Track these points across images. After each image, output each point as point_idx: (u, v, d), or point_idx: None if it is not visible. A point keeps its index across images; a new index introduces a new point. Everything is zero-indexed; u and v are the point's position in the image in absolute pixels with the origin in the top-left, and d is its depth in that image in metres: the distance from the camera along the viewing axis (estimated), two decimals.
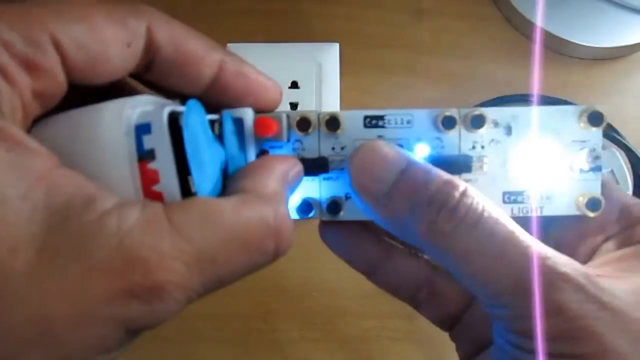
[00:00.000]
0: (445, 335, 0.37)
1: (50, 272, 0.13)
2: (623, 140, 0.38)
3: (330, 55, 0.37)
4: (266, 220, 0.16)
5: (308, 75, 0.37)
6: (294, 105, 0.36)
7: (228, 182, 0.18)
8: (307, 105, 0.36)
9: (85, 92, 0.17)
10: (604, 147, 0.39)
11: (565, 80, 0.43)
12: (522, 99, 0.40)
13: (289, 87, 0.36)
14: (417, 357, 0.36)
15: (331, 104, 0.36)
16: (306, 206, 0.20)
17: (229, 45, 0.38)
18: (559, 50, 0.43)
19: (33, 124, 0.16)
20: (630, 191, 0.36)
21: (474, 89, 0.42)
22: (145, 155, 0.16)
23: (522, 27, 0.44)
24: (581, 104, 0.20)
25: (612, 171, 0.36)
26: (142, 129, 0.16)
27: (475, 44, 0.44)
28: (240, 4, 0.45)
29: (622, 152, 0.37)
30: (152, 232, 0.14)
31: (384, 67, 0.43)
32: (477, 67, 0.43)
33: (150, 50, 0.17)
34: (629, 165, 0.37)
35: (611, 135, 0.39)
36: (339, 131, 0.20)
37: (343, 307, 0.37)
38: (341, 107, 0.36)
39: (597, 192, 0.19)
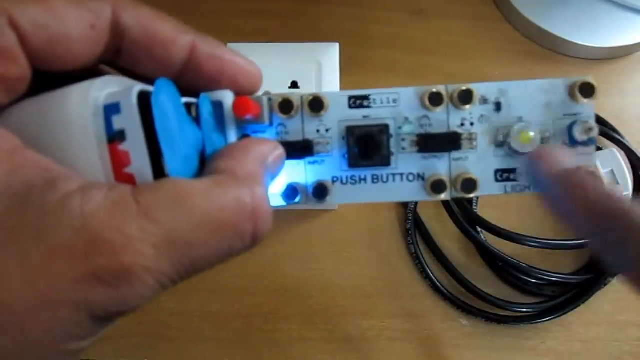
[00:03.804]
0: (445, 335, 0.37)
1: (8, 254, 0.13)
2: (623, 140, 0.38)
3: (330, 55, 0.37)
4: (242, 202, 0.15)
5: (308, 75, 0.37)
6: None
7: (205, 165, 0.17)
8: None
9: (61, 82, 0.16)
10: (603, 147, 0.39)
11: None
12: None
13: (289, 87, 0.36)
14: (417, 357, 0.36)
15: None
16: (292, 191, 0.19)
17: (229, 45, 0.37)
18: (559, 50, 0.43)
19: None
20: (630, 191, 0.36)
21: None
22: (115, 137, 0.15)
23: (522, 27, 0.44)
24: None
25: (612, 171, 0.36)
26: (111, 109, 0.15)
27: (475, 44, 0.44)
28: (240, 4, 0.45)
29: (622, 152, 0.37)
30: (117, 214, 0.13)
31: (384, 67, 0.43)
32: (477, 67, 0.43)
33: (117, 34, 0.17)
34: (629, 165, 0.37)
35: (611, 135, 0.39)
36: (322, 112, 0.19)
37: (343, 307, 0.37)
38: None
39: (590, 165, 0.19)
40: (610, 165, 0.36)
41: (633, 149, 0.38)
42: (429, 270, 0.37)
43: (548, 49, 0.44)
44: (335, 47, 0.37)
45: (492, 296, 0.36)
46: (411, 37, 0.44)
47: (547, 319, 0.36)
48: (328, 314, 0.37)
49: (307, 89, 0.36)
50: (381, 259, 0.38)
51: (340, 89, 0.37)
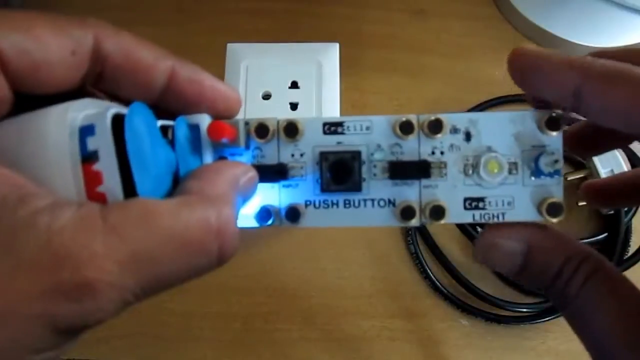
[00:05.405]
0: (445, 335, 0.37)
1: None
2: None
3: (330, 55, 0.37)
4: (207, 221, 0.16)
5: (308, 75, 0.37)
6: (294, 106, 0.36)
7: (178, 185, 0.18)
8: (307, 106, 0.36)
9: (45, 102, 0.17)
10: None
11: None
12: (522, 99, 0.40)
13: (289, 87, 0.36)
14: (417, 357, 0.36)
15: (331, 103, 0.36)
16: (265, 213, 0.20)
17: (229, 45, 0.38)
18: (559, 50, 0.43)
19: None
20: None
21: (474, 89, 0.42)
22: (89, 157, 0.16)
23: (522, 27, 0.44)
24: None
25: (612, 171, 0.36)
26: (86, 131, 0.16)
27: (475, 44, 0.44)
28: (240, 4, 0.45)
29: (622, 152, 0.37)
30: (84, 231, 0.14)
31: (384, 67, 0.43)
32: (477, 67, 0.43)
33: (99, 59, 0.18)
34: (629, 165, 0.37)
35: None
36: (297, 137, 0.20)
37: (343, 307, 0.37)
38: (341, 107, 0.36)
39: (558, 197, 0.19)
40: (610, 165, 0.36)
41: (633, 149, 0.38)
42: (429, 270, 0.37)
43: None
44: (335, 47, 0.37)
45: (492, 296, 0.36)
46: (411, 36, 0.44)
47: (547, 319, 0.36)
48: (328, 314, 0.37)
49: (307, 89, 0.36)
50: (381, 258, 0.38)
51: (341, 89, 0.37)
